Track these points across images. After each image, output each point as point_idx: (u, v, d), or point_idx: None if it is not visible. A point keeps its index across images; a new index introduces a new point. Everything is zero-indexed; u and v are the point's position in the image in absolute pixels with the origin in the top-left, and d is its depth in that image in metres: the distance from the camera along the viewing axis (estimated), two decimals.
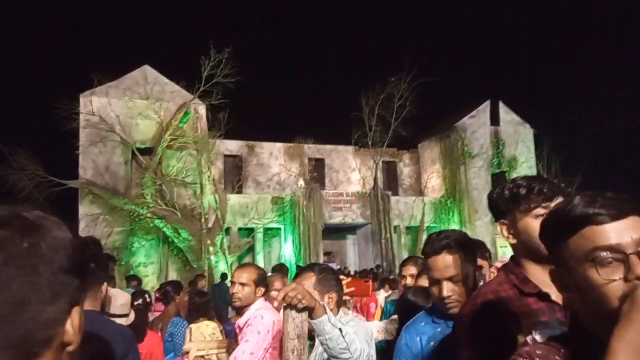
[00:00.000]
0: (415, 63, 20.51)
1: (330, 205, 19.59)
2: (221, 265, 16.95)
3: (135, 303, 3.14)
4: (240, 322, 2.94)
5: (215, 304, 9.62)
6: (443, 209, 21.80)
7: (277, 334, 2.83)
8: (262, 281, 3.04)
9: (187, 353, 3.51)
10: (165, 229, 17.08)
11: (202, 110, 18.86)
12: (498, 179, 22.26)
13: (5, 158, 15.44)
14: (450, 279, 1.85)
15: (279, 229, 19.76)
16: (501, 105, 22.92)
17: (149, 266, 17.08)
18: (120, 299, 3.06)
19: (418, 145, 24.03)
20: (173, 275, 16.04)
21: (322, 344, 1.87)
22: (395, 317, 2.87)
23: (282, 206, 19.52)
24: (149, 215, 16.82)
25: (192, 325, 4.18)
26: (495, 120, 22.73)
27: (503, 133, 22.63)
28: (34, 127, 23.76)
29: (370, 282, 2.81)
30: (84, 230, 16.14)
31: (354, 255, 21.32)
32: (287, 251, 19.37)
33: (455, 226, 21.60)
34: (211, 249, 17.11)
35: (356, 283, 2.69)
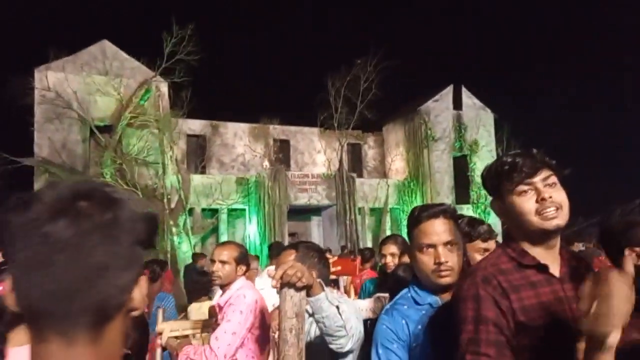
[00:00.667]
0: (380, 46, 20.59)
1: (296, 187, 19.53)
2: (184, 245, 16.72)
3: None
4: (221, 300, 2.87)
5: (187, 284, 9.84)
6: (406, 191, 22.11)
7: (259, 313, 2.78)
8: (243, 259, 2.97)
9: (160, 334, 3.40)
10: None
11: (164, 87, 18.34)
12: (459, 162, 22.75)
13: None
14: (446, 244, 1.78)
15: (243, 210, 19.59)
16: (463, 89, 23.27)
17: None
18: None
19: (382, 127, 24.19)
20: None
21: (317, 322, 1.84)
22: (381, 294, 2.86)
23: (246, 187, 19.33)
24: None
25: (193, 304, 4.18)
26: (457, 104, 23.08)
27: (465, 117, 23.01)
28: None
29: (358, 260, 2.79)
30: None
31: (318, 236, 21.40)
32: (251, 232, 19.26)
33: None
34: (174, 229, 16.82)
35: (342, 262, 2.67)
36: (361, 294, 3.45)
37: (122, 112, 17.15)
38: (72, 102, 16.68)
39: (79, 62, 17.19)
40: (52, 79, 16.59)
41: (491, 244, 2.30)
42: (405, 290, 1.89)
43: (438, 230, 1.79)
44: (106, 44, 17.81)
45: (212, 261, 2.93)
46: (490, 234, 2.33)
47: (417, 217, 1.85)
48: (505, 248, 1.58)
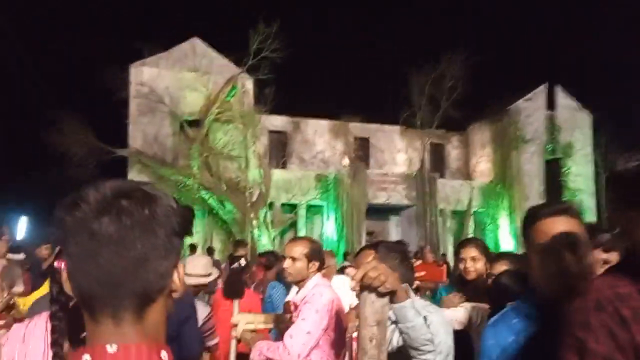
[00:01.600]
0: (469, 41, 19.72)
1: (375, 185, 19.26)
2: (264, 238, 17.01)
3: (232, 266, 3.50)
4: (297, 298, 2.76)
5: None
6: (492, 194, 21.10)
7: (335, 314, 2.62)
8: (316, 255, 2.81)
9: (235, 325, 3.35)
10: (210, 200, 17.23)
11: (249, 84, 18.78)
12: (552, 166, 21.37)
13: (58, 124, 15.81)
14: None
15: (322, 207, 19.62)
16: (558, 88, 21.82)
17: (194, 236, 17.32)
18: (201, 260, 3.62)
19: (467, 127, 23.25)
20: (217, 246, 16.15)
21: (401, 332, 1.64)
22: (477, 304, 2.59)
23: (325, 183, 19.34)
24: (195, 185, 16.99)
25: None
26: (551, 104, 21.69)
27: (559, 118, 21.58)
28: (85, 95, 24.28)
29: (445, 266, 2.55)
30: None
31: (396, 236, 20.95)
32: (328, 229, 19.24)
33: (504, 212, 20.94)
34: (254, 222, 17.17)
35: (428, 267, 2.44)
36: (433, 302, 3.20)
37: (209, 108, 17.76)
38: (164, 97, 17.52)
39: (171, 58, 18.02)
40: (146, 75, 17.52)
41: (613, 256, 1.96)
42: (514, 302, 1.67)
43: (563, 228, 1.52)
44: (196, 42, 18.52)
45: (284, 257, 2.84)
46: (614, 244, 1.99)
47: (535, 215, 1.59)
48: (628, 265, 1.28)
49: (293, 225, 19.13)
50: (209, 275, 3.64)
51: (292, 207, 19.11)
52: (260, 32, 17.69)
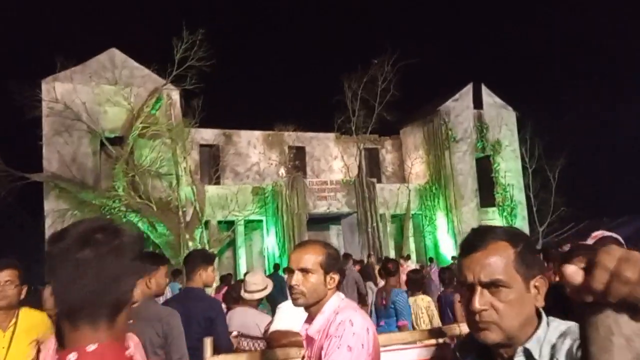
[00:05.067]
0: (397, 45, 19.78)
1: (314, 194, 18.72)
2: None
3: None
4: (311, 330, 1.96)
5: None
6: (428, 195, 21.24)
7: (373, 350, 1.90)
8: (335, 265, 2.03)
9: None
10: (139, 224, 15.89)
11: (175, 95, 17.67)
12: (482, 164, 21.85)
13: None
14: None
15: (260, 221, 18.81)
16: (483, 87, 22.42)
17: None
18: (259, 276, 4.08)
19: (400, 130, 23.36)
20: None
21: None
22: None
23: (263, 197, 18.56)
24: (122, 208, 15.61)
25: (410, 298, 4.95)
26: (477, 103, 22.22)
27: (486, 116, 22.15)
28: None
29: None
30: (50, 227, 14.83)
31: (338, 245, 20.54)
32: (269, 244, 18.45)
33: (441, 213, 21.11)
34: (190, 243, 16.04)
35: None
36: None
37: (133, 123, 16.46)
38: (82, 113, 16.02)
39: (88, 71, 16.55)
40: (60, 90, 15.95)
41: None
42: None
43: None
44: (115, 52, 17.16)
45: (290, 271, 2.01)
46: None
47: None
48: None
49: (231, 243, 18.16)
50: (265, 288, 4.11)
51: (229, 224, 18.13)
52: (185, 40, 16.68)
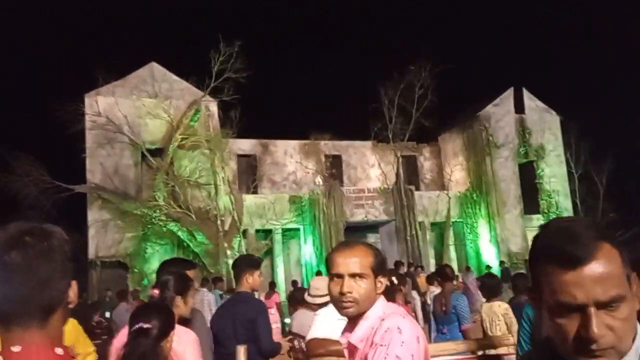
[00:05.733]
0: (434, 50, 19.48)
1: (351, 203, 18.58)
2: (199, 272, 15.93)
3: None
4: (354, 338, 1.77)
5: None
6: (469, 203, 20.70)
7: (423, 358, 1.74)
8: (383, 267, 1.85)
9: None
10: (179, 233, 16.15)
11: (214, 107, 17.95)
12: (526, 169, 21.18)
13: (8, 164, 14.55)
14: None
15: (298, 230, 18.77)
16: (525, 91, 21.81)
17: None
18: (323, 281, 3.79)
19: (437, 137, 22.95)
20: None
21: None
22: None
23: (300, 205, 18.53)
24: (162, 218, 15.89)
25: (485, 304, 4.91)
26: (519, 107, 21.62)
27: (528, 121, 21.50)
28: (36, 131, 22.80)
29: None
30: (93, 236, 15.25)
31: None
32: (307, 252, 18.38)
33: (482, 220, 20.53)
34: (228, 252, 16.14)
35: None
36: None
37: (172, 134, 16.82)
38: (123, 126, 16.47)
39: (128, 85, 17.03)
40: (102, 104, 16.46)
41: None
42: None
43: None
44: (154, 66, 17.62)
45: (338, 277, 1.79)
46: None
47: None
48: None
49: (269, 252, 18.18)
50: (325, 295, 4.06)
51: (267, 233, 18.18)
52: (222, 52, 16.95)
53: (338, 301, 1.79)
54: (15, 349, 0.95)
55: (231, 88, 17.22)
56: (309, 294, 4.11)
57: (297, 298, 5.19)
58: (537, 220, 20.85)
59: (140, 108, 16.85)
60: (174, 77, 17.81)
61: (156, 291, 2.50)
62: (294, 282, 13.35)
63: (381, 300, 1.81)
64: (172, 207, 15.91)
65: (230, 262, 16.10)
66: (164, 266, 2.82)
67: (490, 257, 19.80)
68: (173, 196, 16.32)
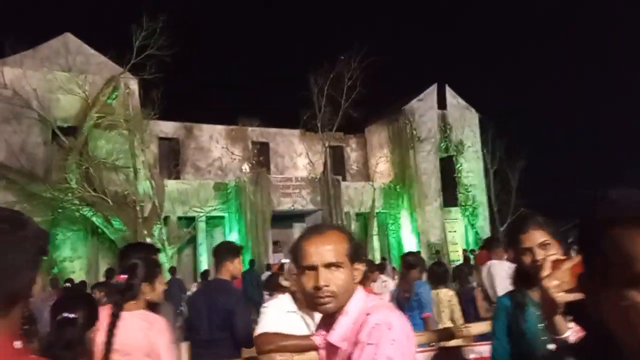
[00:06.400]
0: (365, 41, 19.58)
1: (279, 191, 18.29)
2: (160, 257, 15.16)
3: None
4: (334, 337, 1.52)
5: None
6: (392, 194, 21.16)
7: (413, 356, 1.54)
8: (358, 252, 1.60)
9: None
10: (93, 218, 15.05)
11: (134, 85, 16.88)
12: (446, 164, 21.98)
13: None
14: None
15: (222, 218, 18.20)
16: (447, 88, 22.58)
17: (76, 261, 14.99)
18: None
19: (364, 129, 23.22)
20: (104, 270, 14.02)
21: None
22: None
23: (225, 192, 17.96)
24: (75, 202, 14.71)
25: (432, 291, 4.92)
26: (442, 103, 22.36)
27: (450, 117, 22.30)
28: None
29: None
30: None
31: None
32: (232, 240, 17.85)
33: (405, 211, 21.07)
34: (148, 240, 15.26)
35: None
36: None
37: (87, 112, 15.59)
38: (32, 100, 15.02)
39: (39, 56, 15.55)
40: (9, 76, 14.89)
41: None
42: None
43: None
44: (69, 38, 16.22)
45: (310, 268, 1.52)
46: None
47: None
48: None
49: (192, 240, 17.47)
50: None
51: (190, 221, 17.44)
52: (144, 27, 15.92)
53: (313, 297, 1.53)
54: None
55: (154, 66, 16.26)
56: (284, 279, 3.85)
57: (274, 283, 5.19)
58: (455, 212, 21.78)
59: (51, 82, 15.44)
60: (91, 50, 16.52)
61: (123, 276, 2.43)
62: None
63: (360, 291, 1.58)
64: (86, 191, 14.76)
65: None
66: (128, 251, 2.63)
67: (411, 247, 20.32)
68: (87, 179, 15.15)
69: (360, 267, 1.59)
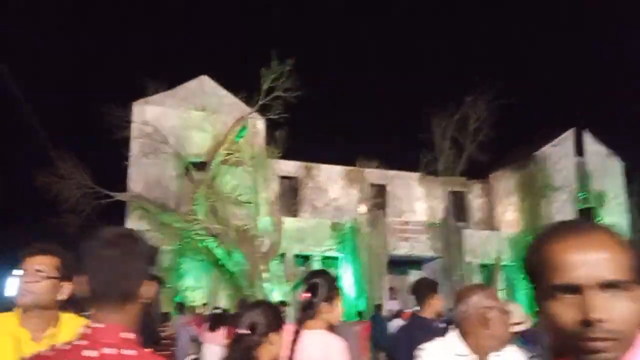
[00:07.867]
0: (493, 83, 18.60)
1: (396, 235, 17.57)
2: (275, 294, 15.10)
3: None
4: None
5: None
6: (522, 246, 19.35)
7: None
8: None
9: None
10: (216, 250, 15.47)
11: (260, 124, 17.50)
12: (584, 216, 19.77)
13: (52, 162, 14.32)
14: None
15: (337, 258, 17.83)
16: (586, 134, 20.61)
17: (197, 290, 15.43)
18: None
19: (489, 175, 21.85)
20: (223, 303, 14.21)
21: None
22: None
23: (341, 233, 17.65)
24: (201, 232, 15.27)
25: None
26: (579, 150, 20.40)
27: (589, 164, 20.21)
28: (83, 133, 22.76)
29: None
30: None
31: None
32: (346, 283, 17.36)
33: None
34: (264, 275, 15.33)
35: None
36: None
37: (217, 149, 16.38)
38: (169, 137, 16.14)
39: (178, 96, 16.80)
40: (150, 113, 16.22)
41: None
42: None
43: None
44: (205, 79, 17.39)
45: (571, 290, 0.90)
46: None
47: None
48: None
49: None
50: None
51: (305, 259, 17.32)
52: (274, 70, 16.56)
53: (578, 338, 0.91)
54: (95, 325, 1.22)
55: (279, 106, 16.75)
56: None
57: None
58: None
59: (187, 120, 16.54)
60: (224, 91, 17.52)
61: (305, 294, 2.59)
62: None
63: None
64: (211, 223, 15.29)
65: (265, 285, 15.29)
66: (313, 274, 2.84)
67: None
68: (213, 212, 15.74)
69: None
